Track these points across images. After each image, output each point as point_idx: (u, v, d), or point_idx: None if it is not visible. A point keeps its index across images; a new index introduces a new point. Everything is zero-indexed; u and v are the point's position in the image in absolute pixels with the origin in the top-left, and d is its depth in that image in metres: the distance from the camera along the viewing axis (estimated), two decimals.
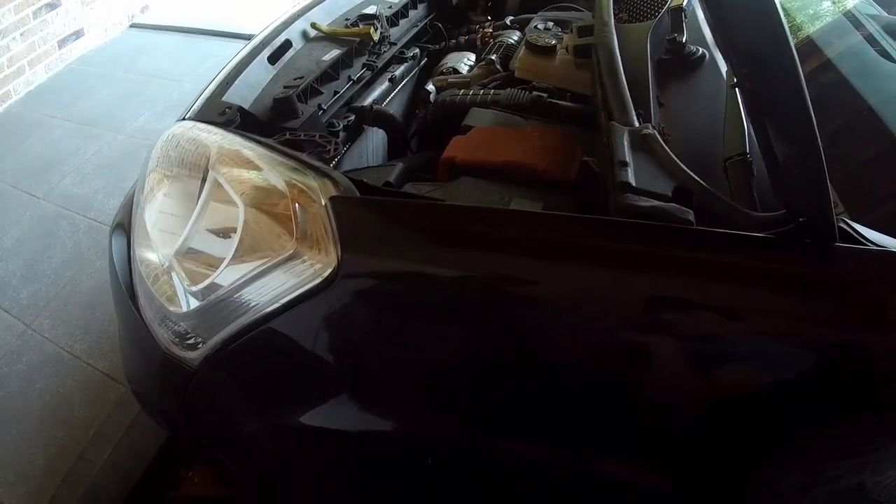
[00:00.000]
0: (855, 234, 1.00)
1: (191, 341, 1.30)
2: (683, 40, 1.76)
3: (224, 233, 1.34)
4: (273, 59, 1.96)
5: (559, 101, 1.77)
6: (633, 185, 1.10)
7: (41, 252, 3.42)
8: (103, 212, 3.65)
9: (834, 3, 1.77)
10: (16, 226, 3.64)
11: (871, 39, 1.60)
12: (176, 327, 1.33)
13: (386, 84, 2.11)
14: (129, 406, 1.65)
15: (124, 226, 1.65)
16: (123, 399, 2.49)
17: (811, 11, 1.82)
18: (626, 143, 1.20)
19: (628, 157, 1.17)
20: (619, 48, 1.55)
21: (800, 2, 1.95)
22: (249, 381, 1.29)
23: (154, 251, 1.43)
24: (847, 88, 1.48)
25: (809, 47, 1.60)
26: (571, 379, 1.07)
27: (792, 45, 0.95)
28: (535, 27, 2.11)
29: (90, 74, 5.26)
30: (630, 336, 1.04)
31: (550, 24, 2.15)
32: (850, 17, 1.72)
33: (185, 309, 1.31)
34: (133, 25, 6.13)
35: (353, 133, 1.93)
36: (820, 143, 0.92)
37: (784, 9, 1.76)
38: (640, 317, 1.03)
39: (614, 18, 1.74)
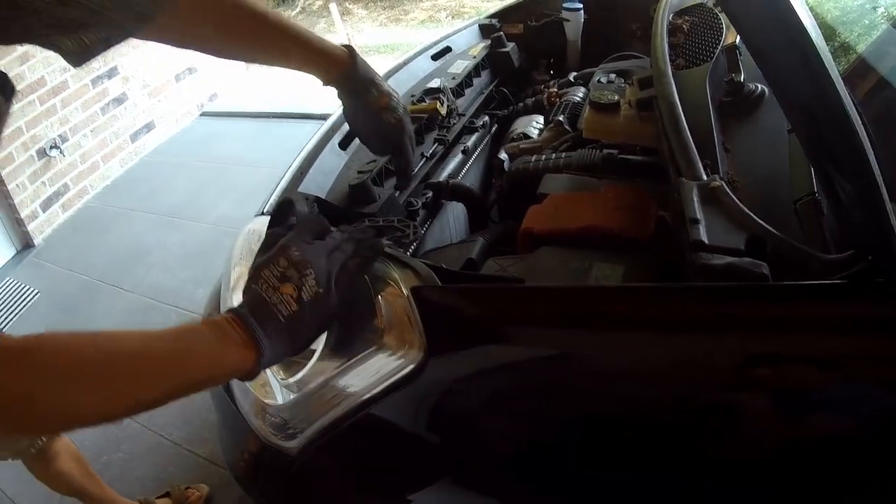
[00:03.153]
0: None
1: (289, 431, 1.33)
2: (741, 79, 1.77)
3: None
4: (344, 144, 1.99)
5: (630, 157, 1.79)
6: (706, 242, 1.12)
7: None
8: (193, 301, 3.74)
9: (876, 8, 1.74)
10: (106, 318, 3.75)
11: None
12: (273, 419, 1.37)
13: (459, 156, 2.12)
14: (233, 488, 1.70)
15: None
16: (227, 482, 2.55)
17: (859, 25, 1.79)
18: (695, 199, 1.22)
19: (699, 214, 1.18)
20: (680, 97, 1.57)
21: (844, 14, 1.92)
22: (350, 466, 1.33)
23: None
24: None
25: (862, 67, 1.57)
26: (671, 445, 1.09)
27: (841, 90, 0.97)
28: (598, 81, 2.14)
29: (166, 165, 5.42)
30: (723, 396, 1.06)
31: (612, 75, 2.17)
32: None
33: (280, 401, 1.36)
34: (203, 114, 6.33)
35: (433, 209, 1.94)
36: (880, 182, 0.94)
37: (831, 27, 1.77)
38: (728, 379, 1.05)
39: (671, 66, 1.76)
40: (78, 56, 1.22)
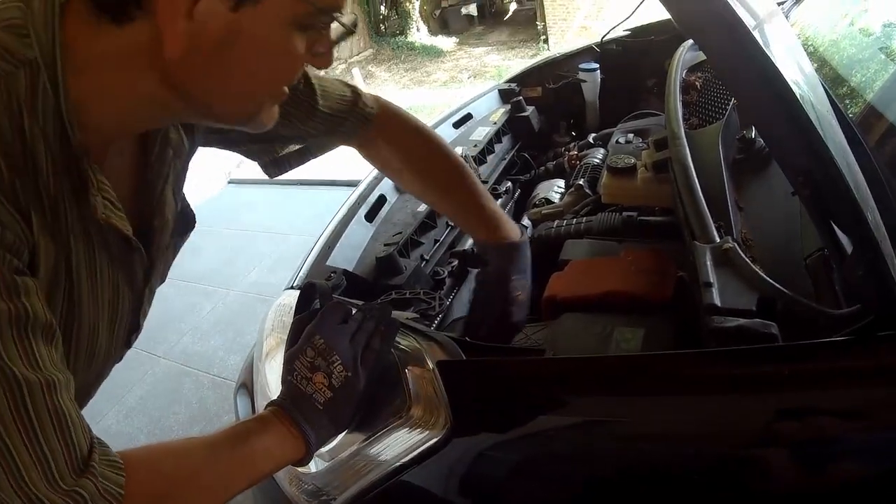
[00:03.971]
0: None
1: (323, 498, 1.36)
2: (753, 136, 1.81)
3: None
4: (370, 216, 2.05)
5: (649, 219, 1.83)
6: (719, 305, 1.16)
7: (166, 408, 3.56)
8: (225, 368, 3.80)
9: (887, 54, 1.75)
10: (139, 384, 3.80)
11: None
12: (306, 486, 1.40)
13: None
14: None
15: (248, 387, 1.77)
16: None
17: (866, 70, 1.80)
18: (708, 263, 1.25)
19: (712, 277, 1.22)
20: (694, 157, 1.61)
21: (851, 57, 1.94)
22: None
23: None
24: None
25: (871, 114, 1.59)
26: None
27: (834, 156, 1.00)
28: (617, 142, 2.20)
29: (195, 233, 5.50)
30: (751, 453, 1.09)
31: (630, 135, 2.23)
32: None
33: (313, 470, 1.39)
34: (231, 182, 6.42)
35: (459, 278, 1.95)
36: (878, 240, 0.97)
37: (839, 74, 1.79)
38: (754, 435, 1.08)
39: (685, 125, 1.81)
40: (273, 168, 1.48)
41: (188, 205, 1.25)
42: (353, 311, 1.27)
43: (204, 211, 6.06)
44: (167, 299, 4.58)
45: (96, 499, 0.80)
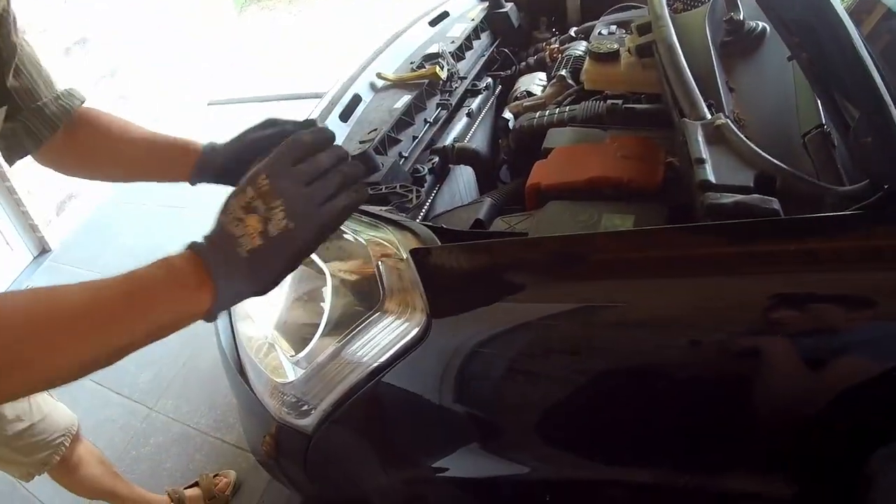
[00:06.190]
0: None
1: (303, 408, 1.33)
2: (741, 18, 1.74)
3: (315, 299, 1.38)
4: (345, 116, 1.98)
5: (635, 106, 1.76)
6: (713, 181, 1.10)
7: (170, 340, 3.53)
8: None
9: None
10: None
11: None
12: (286, 397, 1.37)
13: (464, 120, 2.11)
14: (261, 471, 1.70)
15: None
16: (254, 466, 2.52)
17: None
18: (700, 139, 1.19)
19: (704, 153, 1.16)
20: (679, 40, 1.54)
21: None
22: (368, 438, 1.32)
23: (255, 327, 1.49)
24: None
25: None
26: (693, 397, 1.06)
27: (837, 6, 0.93)
28: (599, 34, 2.12)
29: None
30: (744, 342, 1.02)
31: (613, 27, 2.15)
32: None
33: (291, 378, 1.35)
34: (211, 104, 6.35)
35: (440, 175, 1.92)
36: (889, 104, 0.90)
37: None
38: (752, 323, 1.01)
39: (669, 10, 1.74)
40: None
41: None
42: (321, 155, 1.00)
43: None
44: (149, 230, 4.61)
45: None
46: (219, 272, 0.92)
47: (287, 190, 0.95)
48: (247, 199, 0.94)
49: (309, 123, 1.33)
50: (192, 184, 1.43)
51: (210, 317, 0.94)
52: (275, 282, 0.97)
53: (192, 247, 0.94)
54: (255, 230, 0.92)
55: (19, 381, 0.84)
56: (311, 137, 1.01)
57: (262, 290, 0.97)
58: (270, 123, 1.32)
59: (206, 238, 0.95)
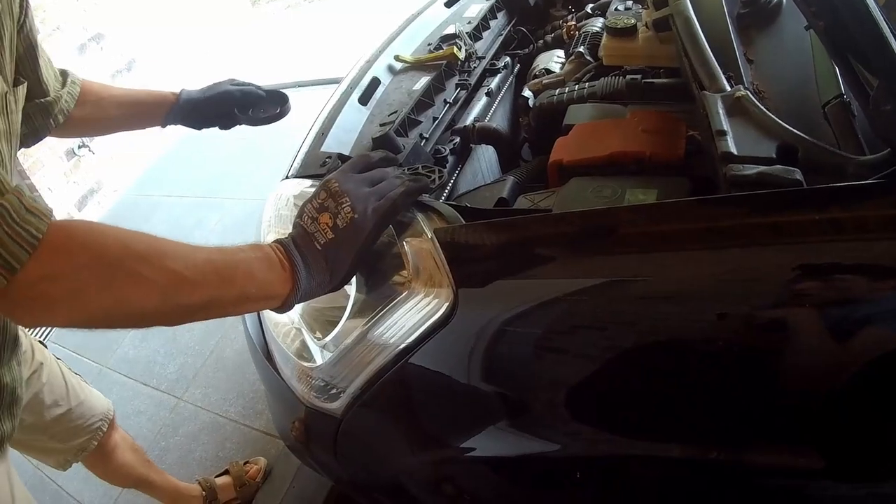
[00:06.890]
0: None
1: (332, 392, 1.34)
2: None
3: None
4: (364, 99, 1.98)
5: (654, 80, 1.76)
6: (735, 153, 1.10)
7: (181, 326, 3.53)
8: None
9: None
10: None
11: None
12: (314, 381, 1.38)
13: (484, 99, 2.10)
14: (291, 457, 1.72)
15: None
16: (284, 452, 2.57)
17: None
18: (720, 111, 1.20)
19: (725, 125, 1.17)
20: (696, 12, 1.54)
21: None
22: (396, 420, 1.32)
23: None
24: None
25: None
26: (721, 370, 1.05)
27: None
28: (616, 9, 2.11)
29: (198, 146, 5.47)
30: (770, 313, 1.01)
31: (630, 2, 2.14)
32: None
33: (319, 362, 1.36)
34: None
35: (462, 155, 1.92)
36: None
37: None
38: (771, 291, 1.00)
39: None
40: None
41: None
42: (386, 168, 1.31)
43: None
44: (174, 218, 4.64)
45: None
46: (299, 264, 1.09)
47: (352, 189, 1.18)
48: (320, 201, 1.17)
49: (277, 93, 1.83)
50: (163, 126, 1.81)
51: (286, 305, 1.10)
52: (349, 273, 1.17)
53: (279, 241, 1.12)
54: (327, 225, 1.13)
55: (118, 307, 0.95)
56: (377, 155, 1.34)
57: (337, 283, 1.16)
58: (233, 82, 1.78)
59: (290, 236, 1.14)
